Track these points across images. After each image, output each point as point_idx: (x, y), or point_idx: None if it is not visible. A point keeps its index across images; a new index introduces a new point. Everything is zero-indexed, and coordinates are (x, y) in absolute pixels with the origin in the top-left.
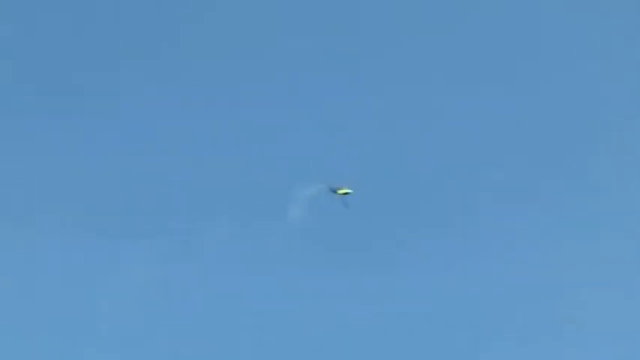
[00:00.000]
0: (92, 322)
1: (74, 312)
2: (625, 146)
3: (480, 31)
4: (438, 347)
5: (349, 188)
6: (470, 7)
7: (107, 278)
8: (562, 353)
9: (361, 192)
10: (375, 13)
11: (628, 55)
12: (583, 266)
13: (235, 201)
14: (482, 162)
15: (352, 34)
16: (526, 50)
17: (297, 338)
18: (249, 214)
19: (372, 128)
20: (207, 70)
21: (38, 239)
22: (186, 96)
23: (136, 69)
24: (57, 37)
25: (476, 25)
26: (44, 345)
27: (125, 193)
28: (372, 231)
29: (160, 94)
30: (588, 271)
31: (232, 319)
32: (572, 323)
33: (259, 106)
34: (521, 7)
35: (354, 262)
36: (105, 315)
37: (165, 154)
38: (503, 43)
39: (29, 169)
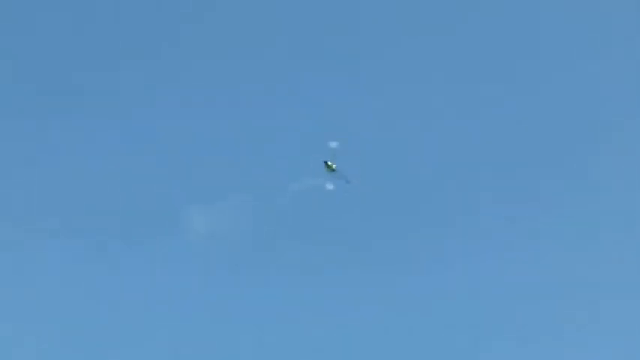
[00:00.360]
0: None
1: (71, 312)
2: (625, 146)
3: (480, 31)
4: (438, 347)
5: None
6: (470, 7)
7: (105, 278)
8: (562, 353)
9: (361, 192)
10: (375, 13)
11: (628, 55)
12: (583, 266)
13: (235, 200)
14: (482, 162)
15: (352, 34)
16: (526, 50)
17: (297, 339)
18: (248, 214)
19: (372, 128)
20: (207, 70)
21: (38, 240)
22: (186, 96)
23: (136, 69)
24: (57, 37)
25: (476, 25)
26: (40, 345)
27: (125, 193)
28: (372, 231)
29: (160, 94)
30: (588, 271)
31: (231, 321)
32: (572, 323)
33: (259, 106)
34: (521, 7)
35: (353, 262)
36: (102, 315)
37: (166, 154)
38: (503, 43)
39: (29, 169)
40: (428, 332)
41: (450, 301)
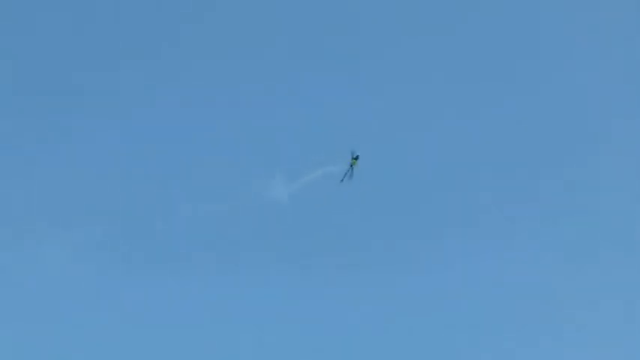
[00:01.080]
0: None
1: (70, 312)
2: (625, 146)
3: (480, 31)
4: (437, 347)
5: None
6: (470, 7)
7: (104, 277)
8: (562, 353)
9: (361, 192)
10: (375, 13)
11: (628, 55)
12: (582, 266)
13: (235, 199)
14: (482, 162)
15: (352, 34)
16: (526, 50)
17: (297, 339)
18: (248, 213)
19: (372, 128)
20: (207, 70)
21: (39, 239)
22: (186, 96)
23: (136, 69)
24: (57, 37)
25: (476, 25)
26: (39, 345)
27: (124, 193)
28: (372, 231)
29: (160, 94)
30: (588, 271)
31: (232, 321)
32: (572, 323)
33: (259, 106)
34: (521, 7)
35: (353, 262)
36: (101, 316)
37: (166, 154)
38: (503, 43)
39: (29, 169)
40: (427, 332)
41: (450, 301)
